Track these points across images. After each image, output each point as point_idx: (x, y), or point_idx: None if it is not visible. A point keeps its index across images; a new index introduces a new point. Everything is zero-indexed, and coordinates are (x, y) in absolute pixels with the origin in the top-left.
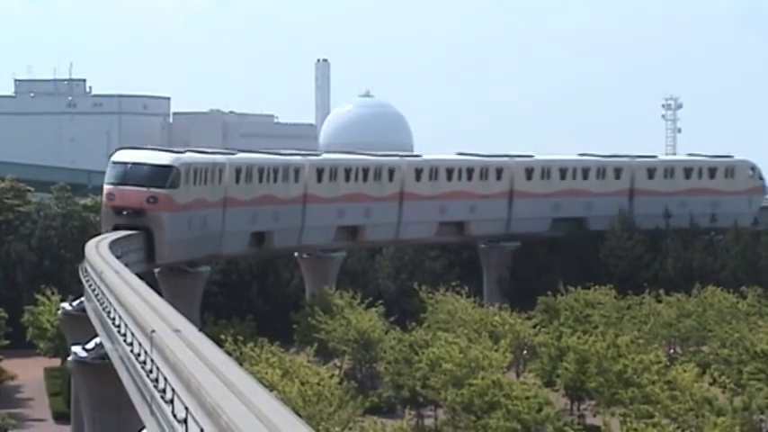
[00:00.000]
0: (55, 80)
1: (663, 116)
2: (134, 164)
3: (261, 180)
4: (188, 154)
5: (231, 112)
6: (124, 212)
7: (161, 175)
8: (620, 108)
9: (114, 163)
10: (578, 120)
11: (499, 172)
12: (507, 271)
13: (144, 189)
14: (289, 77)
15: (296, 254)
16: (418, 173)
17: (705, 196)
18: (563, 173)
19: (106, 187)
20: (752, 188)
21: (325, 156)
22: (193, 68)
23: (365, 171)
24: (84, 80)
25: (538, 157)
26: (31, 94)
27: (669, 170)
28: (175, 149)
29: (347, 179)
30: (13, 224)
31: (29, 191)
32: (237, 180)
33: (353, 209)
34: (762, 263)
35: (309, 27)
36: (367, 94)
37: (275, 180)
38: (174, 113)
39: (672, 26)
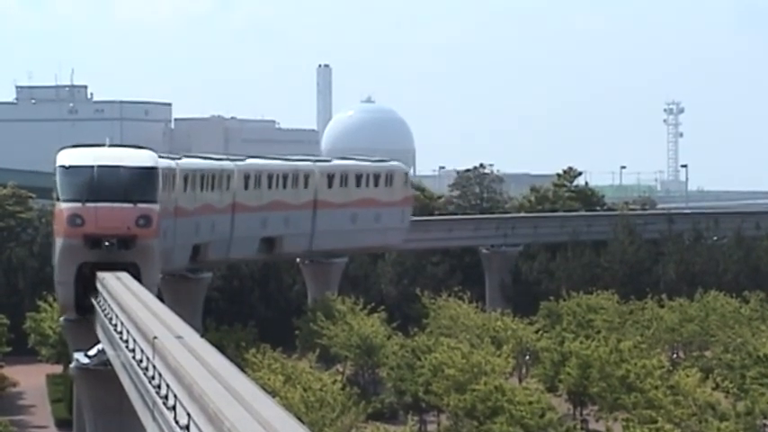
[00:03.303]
0: (56, 86)
1: (664, 121)
2: (104, 167)
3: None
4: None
5: (233, 118)
6: (106, 244)
7: (148, 183)
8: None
9: (69, 168)
10: (579, 125)
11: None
12: (509, 276)
13: (130, 205)
14: (290, 83)
15: (297, 259)
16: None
17: (372, 208)
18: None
19: (66, 206)
20: (404, 198)
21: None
22: (195, 74)
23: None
24: (86, 86)
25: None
26: (33, 101)
27: (344, 177)
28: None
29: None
30: (15, 230)
31: (30, 197)
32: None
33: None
34: (764, 267)
35: (311, 33)
36: (369, 100)
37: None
38: (176, 119)
39: (674, 31)
